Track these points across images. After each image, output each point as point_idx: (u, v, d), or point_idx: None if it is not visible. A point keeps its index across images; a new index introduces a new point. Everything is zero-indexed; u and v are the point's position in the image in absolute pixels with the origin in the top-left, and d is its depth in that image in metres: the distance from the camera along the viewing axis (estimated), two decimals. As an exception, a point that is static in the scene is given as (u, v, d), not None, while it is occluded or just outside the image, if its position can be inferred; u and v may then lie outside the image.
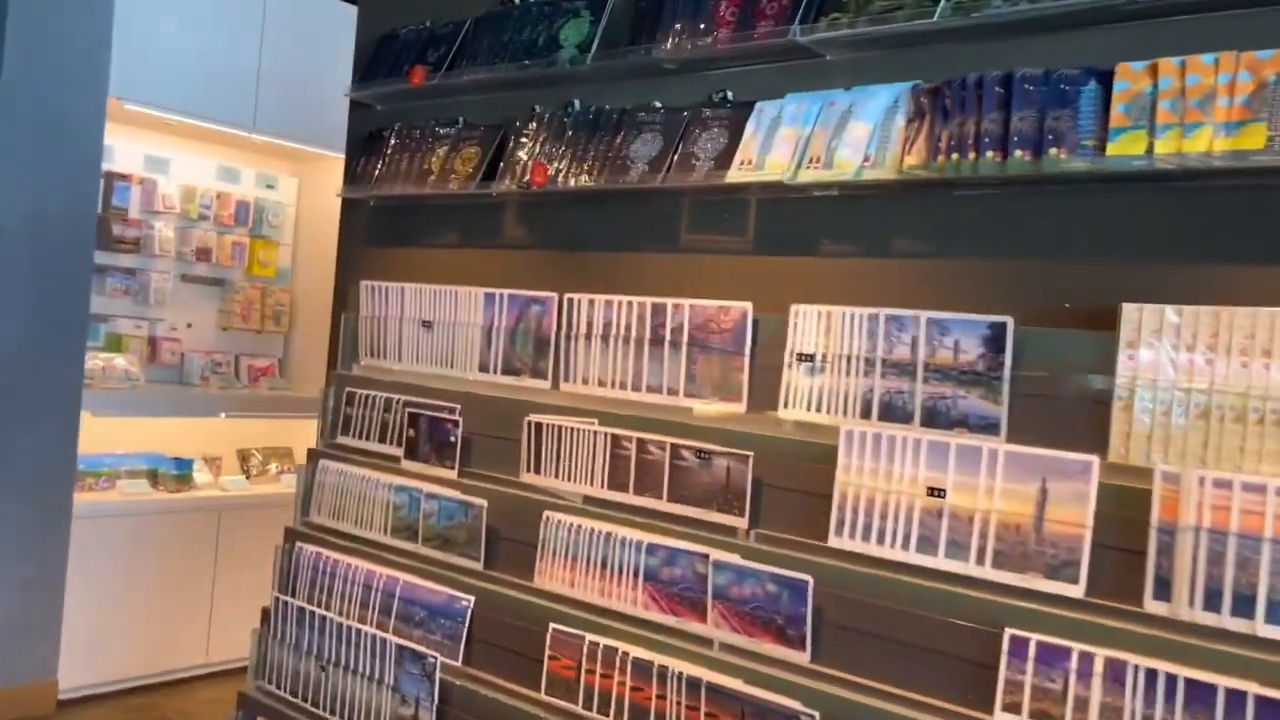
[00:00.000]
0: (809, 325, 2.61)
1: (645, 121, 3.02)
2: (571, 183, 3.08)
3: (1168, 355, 2.10)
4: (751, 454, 2.63)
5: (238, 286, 6.02)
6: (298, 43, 5.51)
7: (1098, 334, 2.21)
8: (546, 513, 3.01)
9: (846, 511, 2.46)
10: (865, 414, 2.51)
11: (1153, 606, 2.05)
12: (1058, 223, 2.34)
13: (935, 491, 2.33)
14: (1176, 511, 2.03)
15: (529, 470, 3.12)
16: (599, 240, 3.17)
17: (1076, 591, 2.14)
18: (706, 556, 2.65)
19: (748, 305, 2.72)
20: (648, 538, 2.78)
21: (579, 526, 2.93)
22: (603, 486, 2.93)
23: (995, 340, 2.33)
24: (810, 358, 2.60)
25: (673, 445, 2.78)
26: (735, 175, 2.73)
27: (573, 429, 3.01)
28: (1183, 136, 2.09)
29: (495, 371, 3.28)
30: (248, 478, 5.67)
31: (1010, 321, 2.30)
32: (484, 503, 3.16)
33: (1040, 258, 2.36)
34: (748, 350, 2.72)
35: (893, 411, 2.47)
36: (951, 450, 2.33)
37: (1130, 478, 2.12)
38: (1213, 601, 1.98)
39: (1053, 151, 2.24)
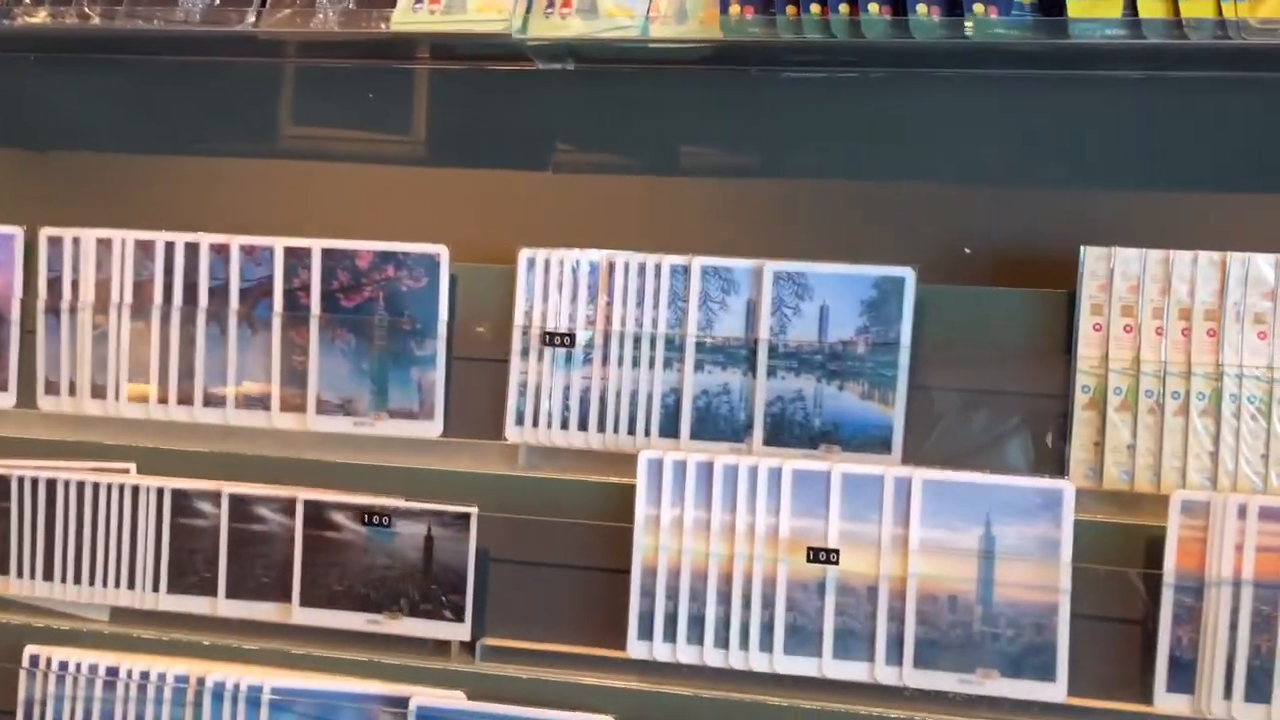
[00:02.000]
0: (558, 284, 1.54)
1: (201, -83, 1.66)
2: (46, 18, 1.62)
3: (1153, 323, 1.42)
4: (473, 509, 1.50)
5: None
6: None
7: (1045, 293, 1.46)
8: (32, 649, 1.56)
9: (657, 597, 1.46)
10: (670, 429, 1.52)
11: (1168, 704, 1.37)
12: (969, 123, 1.54)
13: (820, 555, 1.43)
14: (1203, 559, 1.36)
15: (-18, 569, 1.62)
16: (113, 130, 1.74)
17: (1054, 693, 1.38)
18: (404, 702, 1.47)
19: (439, 249, 1.56)
20: (270, 678, 1.51)
21: (109, 672, 1.54)
22: (156, 590, 1.57)
23: (886, 304, 1.48)
24: (565, 339, 1.54)
25: (310, 504, 1.53)
26: (410, 20, 1.53)
27: (81, 484, 1.59)
28: (1176, -5, 1.40)
29: (-116, 379, 1.69)
30: None
31: (910, 275, 1.47)
32: (-123, 643, 1.59)
33: (937, 179, 1.55)
34: (441, 328, 1.57)
35: (714, 423, 1.52)
36: (834, 482, 1.44)
37: (1118, 510, 1.42)
38: (1258, 689, 1.35)
39: (977, 9, 1.43)
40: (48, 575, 1.59)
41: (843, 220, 1.56)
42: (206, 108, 1.70)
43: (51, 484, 1.59)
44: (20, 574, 1.60)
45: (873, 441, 1.48)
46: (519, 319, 1.54)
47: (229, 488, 1.55)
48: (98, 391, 1.64)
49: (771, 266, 1.49)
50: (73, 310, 1.64)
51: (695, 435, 1.51)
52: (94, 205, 1.71)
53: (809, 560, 1.43)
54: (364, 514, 1.52)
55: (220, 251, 1.61)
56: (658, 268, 1.51)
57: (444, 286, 1.56)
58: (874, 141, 1.56)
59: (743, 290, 1.50)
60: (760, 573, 1.45)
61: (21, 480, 1.59)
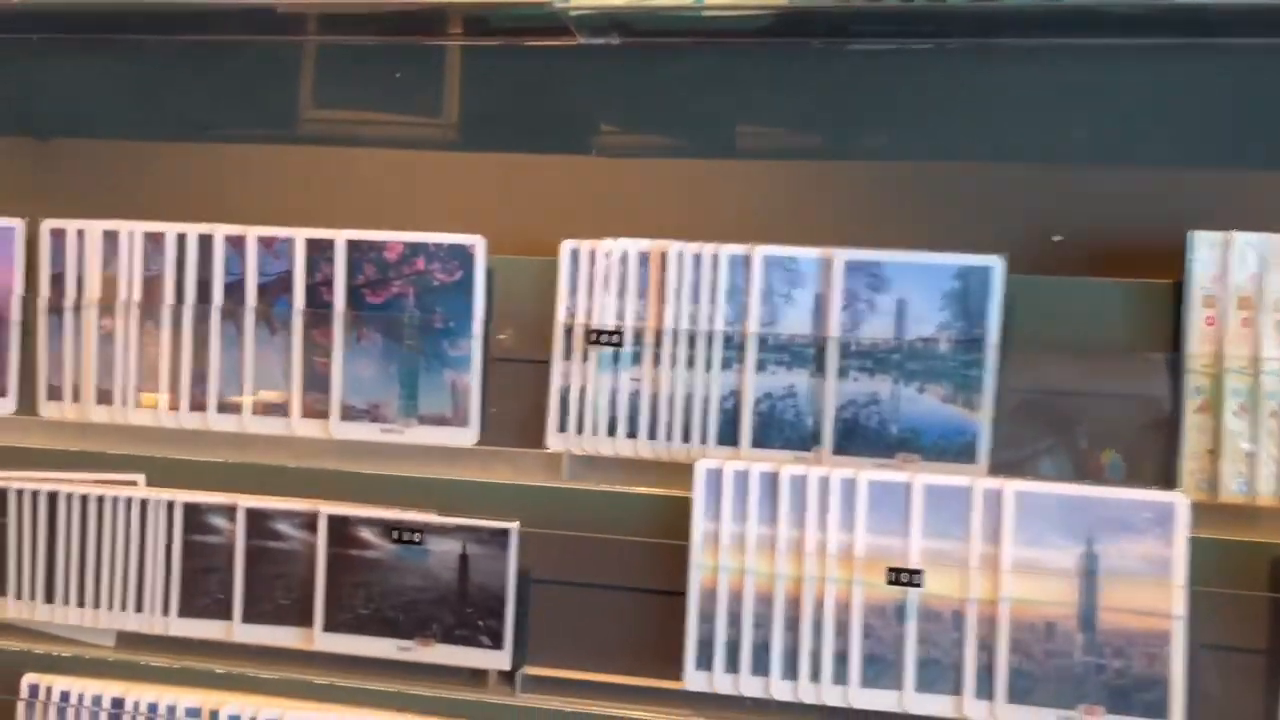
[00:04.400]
0: (604, 277, 1.40)
1: (215, -116, 1.54)
2: (48, -6, 1.50)
3: (1275, 316, 1.27)
4: (513, 525, 1.36)
5: None
6: None
7: (1148, 284, 1.32)
8: (31, 678, 1.43)
9: (717, 623, 1.32)
10: (729, 437, 1.38)
11: (1299, 742, 1.22)
12: (1059, 98, 1.40)
13: (901, 576, 1.28)
14: (1340, 581, 1.21)
15: (-22, 590, 1.50)
16: (121, 116, 1.62)
17: (1169, 731, 1.24)
18: (436, 742, 1.33)
19: (474, 240, 1.43)
20: (290, 710, 1.37)
21: (114, 704, 1.40)
22: (166, 613, 1.44)
23: (970, 297, 1.33)
24: (612, 337, 1.40)
25: (334, 519, 1.40)
26: (442, -13, 1.40)
27: (84, 497, 1.46)
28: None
29: (-125, 384, 1.57)
30: None
31: (998, 265, 1.32)
32: None
33: (1023, 160, 1.40)
34: (477, 326, 1.43)
35: (779, 429, 1.37)
36: (915, 495, 1.29)
37: (1236, 525, 1.26)
38: (1405, 726, 1.20)
39: (1072, -31, 1.29)
40: (49, 597, 1.46)
41: (921, 205, 1.41)
42: (221, 90, 1.57)
43: (53, 497, 1.46)
44: (19, 595, 1.47)
45: (956, 449, 1.33)
46: (561, 316, 1.41)
47: (245, 501, 1.42)
48: (104, 397, 1.51)
49: (843, 256, 1.35)
50: (77, 309, 1.51)
51: (757, 443, 1.37)
52: (100, 196, 1.58)
53: (888, 582, 1.28)
54: (392, 530, 1.38)
55: (236, 244, 1.48)
56: (714, 258, 1.37)
57: (479, 281, 1.42)
58: (953, 119, 1.41)
59: (810, 283, 1.36)
60: (833, 596, 1.30)
61: (20, 494, 1.46)
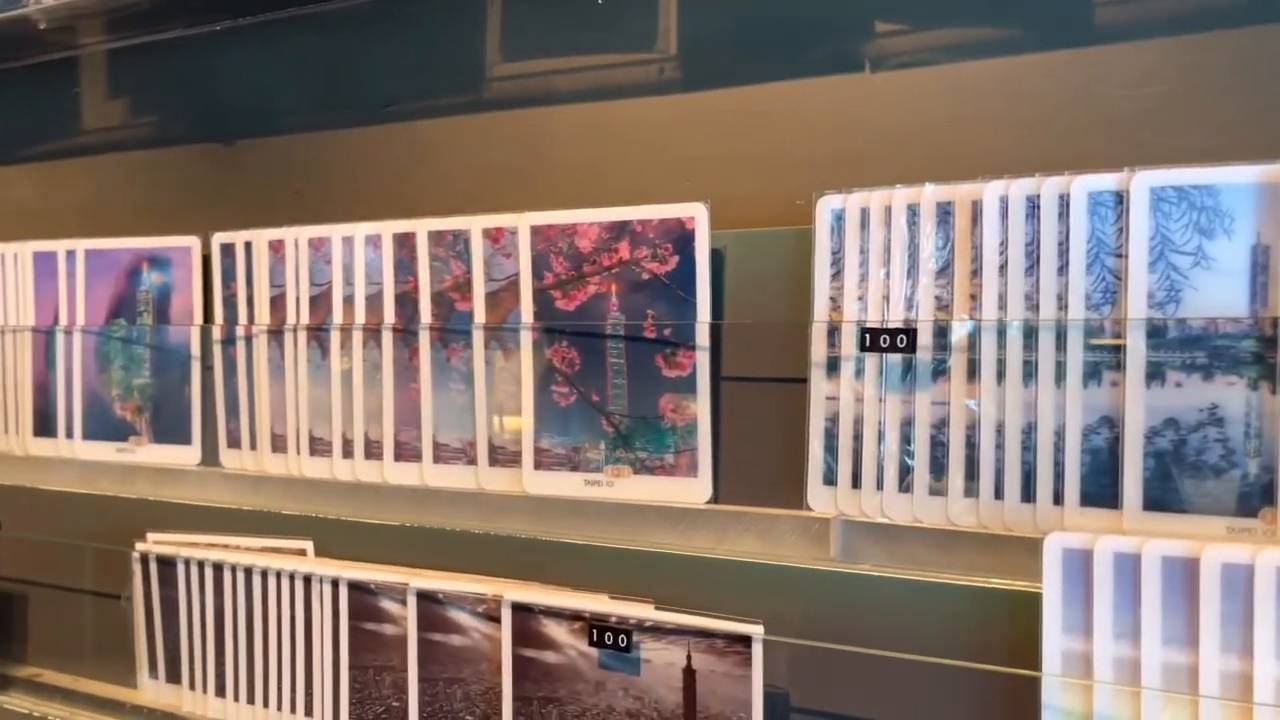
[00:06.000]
0: (884, 247, 0.91)
1: None
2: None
3: None
4: (758, 628, 0.91)
5: None
6: None
7: None
8: (198, 790, 1.19)
9: (1097, 810, 0.78)
10: (1103, 493, 0.83)
11: None
12: None
13: None
14: None
15: (152, 674, 1.28)
16: (296, 105, 1.36)
17: None
18: None
19: (695, 210, 0.99)
20: None
21: (279, 835, 1.12)
22: (334, 718, 1.13)
23: None
24: (901, 339, 0.90)
25: (519, 610, 1.02)
26: None
27: (249, 570, 1.19)
28: None
29: (70, 434, 1.41)
30: None
31: None
32: (46, 765, 1.30)
33: None
34: (702, 334, 1.00)
35: (1193, 481, 0.81)
36: None
37: None
38: None
39: None
40: (220, 690, 1.21)
41: None
42: (400, 58, 1.26)
43: (219, 569, 1.20)
44: (193, 686, 1.23)
45: None
46: (820, 310, 0.94)
47: (417, 580, 1.08)
48: (279, 444, 1.24)
49: (1302, 174, 0.77)
50: (248, 338, 1.26)
51: (1153, 504, 0.82)
52: (282, 199, 1.33)
53: None
54: (593, 629, 0.97)
55: (406, 245, 1.15)
56: (1063, 200, 0.84)
57: (703, 267, 0.99)
58: None
59: (1240, 226, 0.79)
60: (1317, 783, 0.72)
61: (188, 563, 1.23)
